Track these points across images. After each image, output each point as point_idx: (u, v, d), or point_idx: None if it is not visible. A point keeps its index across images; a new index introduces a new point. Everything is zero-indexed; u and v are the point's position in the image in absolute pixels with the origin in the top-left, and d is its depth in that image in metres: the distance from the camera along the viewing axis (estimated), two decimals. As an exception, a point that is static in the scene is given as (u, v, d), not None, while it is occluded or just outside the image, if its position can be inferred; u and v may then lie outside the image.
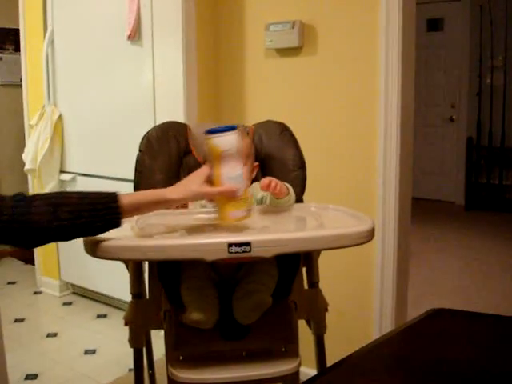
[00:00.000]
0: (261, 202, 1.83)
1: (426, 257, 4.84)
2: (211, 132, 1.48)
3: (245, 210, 1.52)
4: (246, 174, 1.53)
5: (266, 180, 1.69)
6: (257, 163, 1.92)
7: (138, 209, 1.41)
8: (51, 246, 3.90)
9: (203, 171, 1.50)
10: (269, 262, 1.68)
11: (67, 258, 3.85)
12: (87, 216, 1.29)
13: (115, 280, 3.06)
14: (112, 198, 1.34)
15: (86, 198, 1.32)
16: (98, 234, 1.35)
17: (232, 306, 1.65)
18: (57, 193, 1.35)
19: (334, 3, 2.55)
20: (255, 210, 1.78)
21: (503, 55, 6.42)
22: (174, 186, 1.49)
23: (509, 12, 6.23)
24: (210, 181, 1.49)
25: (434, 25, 6.83)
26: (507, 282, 4.23)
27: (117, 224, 1.35)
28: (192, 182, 1.48)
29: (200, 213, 1.77)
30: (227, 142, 1.48)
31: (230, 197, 1.48)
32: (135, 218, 1.67)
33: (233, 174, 1.49)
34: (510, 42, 6.33)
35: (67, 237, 1.32)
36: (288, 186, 1.77)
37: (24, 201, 1.28)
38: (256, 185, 1.88)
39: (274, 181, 1.68)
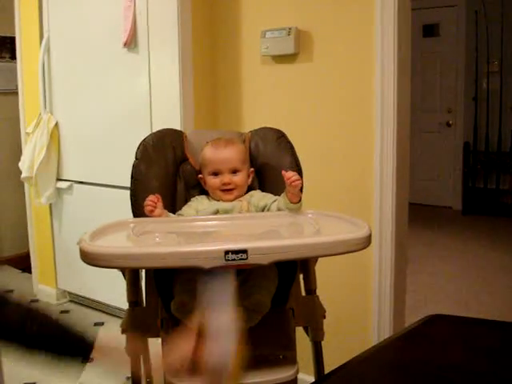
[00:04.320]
0: (262, 209, 1.83)
1: (423, 262, 4.84)
2: None
3: None
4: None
5: (291, 173, 1.72)
6: (252, 169, 1.92)
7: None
8: (48, 253, 3.90)
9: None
10: (268, 267, 1.68)
11: (64, 266, 3.84)
12: (54, 347, 1.27)
13: (112, 288, 3.05)
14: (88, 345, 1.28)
15: (61, 331, 1.29)
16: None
17: None
18: (37, 310, 1.32)
19: (329, 10, 2.56)
20: (252, 217, 1.78)
21: (499, 60, 6.43)
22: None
23: (504, 17, 6.25)
24: None
25: (430, 30, 6.84)
26: (505, 287, 4.22)
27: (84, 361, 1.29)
28: None
29: (196, 220, 1.76)
30: None
31: None
32: (131, 225, 1.67)
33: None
34: (506, 46, 6.35)
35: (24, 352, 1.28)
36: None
37: None
38: (256, 193, 1.88)
39: (297, 177, 1.71)
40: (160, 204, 1.74)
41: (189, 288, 1.64)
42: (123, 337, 1.62)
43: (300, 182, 1.73)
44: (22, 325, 1.24)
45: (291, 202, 1.75)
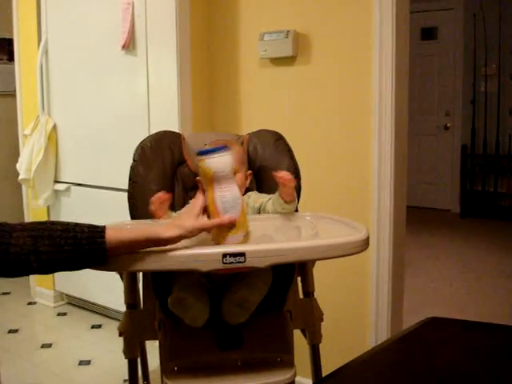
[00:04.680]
0: (258, 211, 1.82)
1: (421, 265, 4.84)
2: (202, 153, 1.43)
3: (241, 235, 1.48)
4: (241, 196, 1.49)
5: (285, 172, 1.71)
6: (250, 171, 1.92)
7: (128, 246, 1.32)
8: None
9: (196, 203, 1.44)
10: (264, 270, 1.68)
11: (62, 268, 3.83)
12: (69, 251, 1.24)
13: (110, 290, 3.05)
14: (98, 233, 1.28)
15: (69, 231, 1.26)
16: (80, 269, 1.30)
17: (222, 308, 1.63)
18: (41, 223, 1.28)
19: (327, 12, 2.56)
20: (250, 219, 1.78)
21: (497, 63, 6.44)
22: (168, 225, 1.38)
23: (502, 20, 6.26)
24: (205, 208, 1.44)
25: (428, 33, 6.86)
26: (502, 290, 4.22)
27: (101, 261, 1.28)
28: (187, 218, 1.39)
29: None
30: (219, 163, 1.43)
31: (228, 226, 1.44)
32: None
33: (227, 196, 1.44)
34: (504, 49, 6.37)
35: (47, 270, 1.27)
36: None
37: (4, 231, 1.23)
38: (253, 194, 1.88)
39: (289, 176, 1.69)
40: (166, 204, 1.70)
41: (186, 284, 1.64)
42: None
43: (293, 180, 1.71)
44: (32, 253, 1.22)
45: (284, 202, 1.73)
